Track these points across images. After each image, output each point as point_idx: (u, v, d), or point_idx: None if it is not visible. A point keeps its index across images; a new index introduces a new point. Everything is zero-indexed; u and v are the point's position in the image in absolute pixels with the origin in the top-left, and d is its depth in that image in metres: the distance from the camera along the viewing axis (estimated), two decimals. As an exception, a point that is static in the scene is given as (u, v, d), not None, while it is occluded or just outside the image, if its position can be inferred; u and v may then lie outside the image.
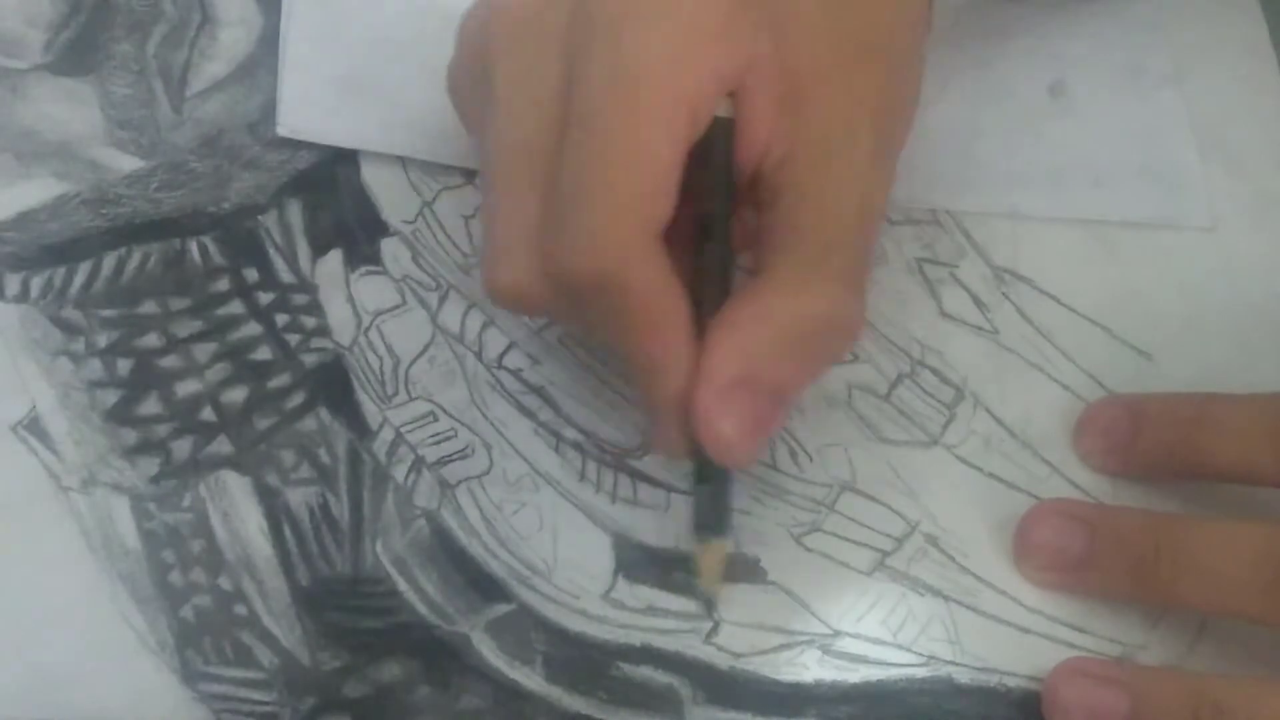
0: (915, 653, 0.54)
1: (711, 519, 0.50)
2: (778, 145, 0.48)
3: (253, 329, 0.56)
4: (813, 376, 0.52)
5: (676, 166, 0.45)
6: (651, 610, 0.53)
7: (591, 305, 0.46)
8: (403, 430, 0.55)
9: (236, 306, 0.56)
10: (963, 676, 0.53)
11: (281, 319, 0.56)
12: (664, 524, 0.54)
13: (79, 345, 0.54)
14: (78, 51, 0.60)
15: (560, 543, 0.54)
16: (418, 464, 0.54)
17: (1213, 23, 0.68)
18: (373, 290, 0.57)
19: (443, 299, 0.57)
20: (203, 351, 0.55)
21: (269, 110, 0.60)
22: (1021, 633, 0.55)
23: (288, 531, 0.53)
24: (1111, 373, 0.60)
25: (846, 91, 0.49)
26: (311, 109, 0.59)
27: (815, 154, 0.48)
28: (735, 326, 0.47)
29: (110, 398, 0.54)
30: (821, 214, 0.48)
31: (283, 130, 0.59)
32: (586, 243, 0.45)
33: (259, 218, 0.58)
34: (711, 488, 0.49)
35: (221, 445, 0.54)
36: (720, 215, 0.49)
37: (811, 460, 0.56)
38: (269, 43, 0.61)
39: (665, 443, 0.49)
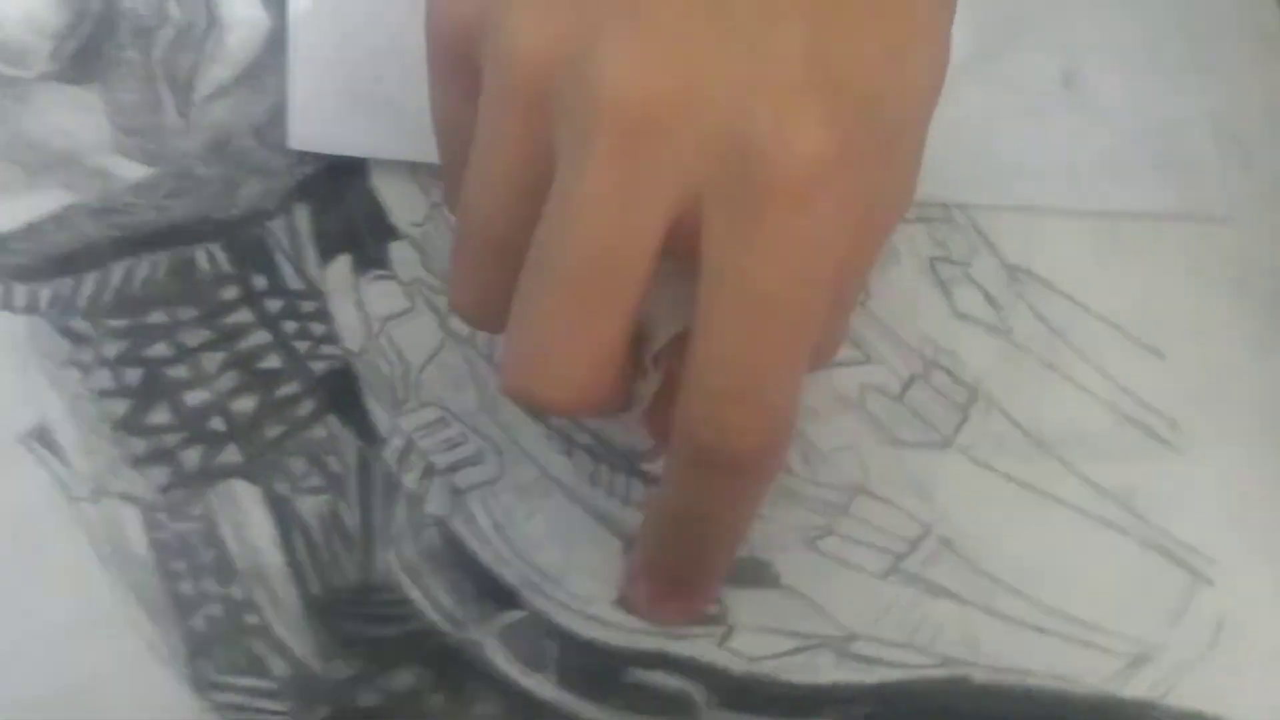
0: (932, 654, 0.53)
1: None
2: None
3: (261, 337, 0.55)
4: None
5: None
6: (665, 615, 0.53)
7: None
8: (413, 437, 0.54)
9: (245, 314, 0.56)
10: (980, 676, 0.53)
11: (290, 326, 0.56)
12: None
13: (87, 355, 0.54)
14: (84, 59, 0.60)
15: (572, 548, 0.53)
16: (429, 471, 0.54)
17: (1226, 13, 0.67)
18: (381, 295, 0.57)
19: (452, 302, 0.57)
20: (211, 360, 0.55)
21: (276, 114, 0.59)
22: (1039, 633, 0.54)
23: (298, 540, 0.52)
24: (1125, 371, 0.60)
25: None
26: (322, 121, 0.59)
27: None
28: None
29: (119, 407, 0.54)
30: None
31: (294, 144, 0.58)
32: None
33: (267, 224, 0.57)
34: None
35: (231, 454, 0.53)
36: None
37: (824, 462, 0.56)
38: (276, 45, 0.60)
39: None
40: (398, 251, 0.58)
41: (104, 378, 0.54)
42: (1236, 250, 0.63)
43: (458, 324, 0.57)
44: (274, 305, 0.56)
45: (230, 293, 0.56)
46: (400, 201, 0.59)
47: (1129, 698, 0.54)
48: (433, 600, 0.52)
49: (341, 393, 0.55)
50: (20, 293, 0.55)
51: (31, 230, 0.56)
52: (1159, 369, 0.60)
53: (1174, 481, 0.58)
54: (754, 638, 0.53)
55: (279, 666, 0.50)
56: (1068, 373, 0.59)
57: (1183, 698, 0.54)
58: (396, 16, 0.61)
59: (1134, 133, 0.64)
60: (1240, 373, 0.60)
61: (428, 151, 0.58)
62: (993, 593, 0.55)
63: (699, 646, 0.52)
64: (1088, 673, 0.54)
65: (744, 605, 0.53)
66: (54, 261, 0.56)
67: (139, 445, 0.53)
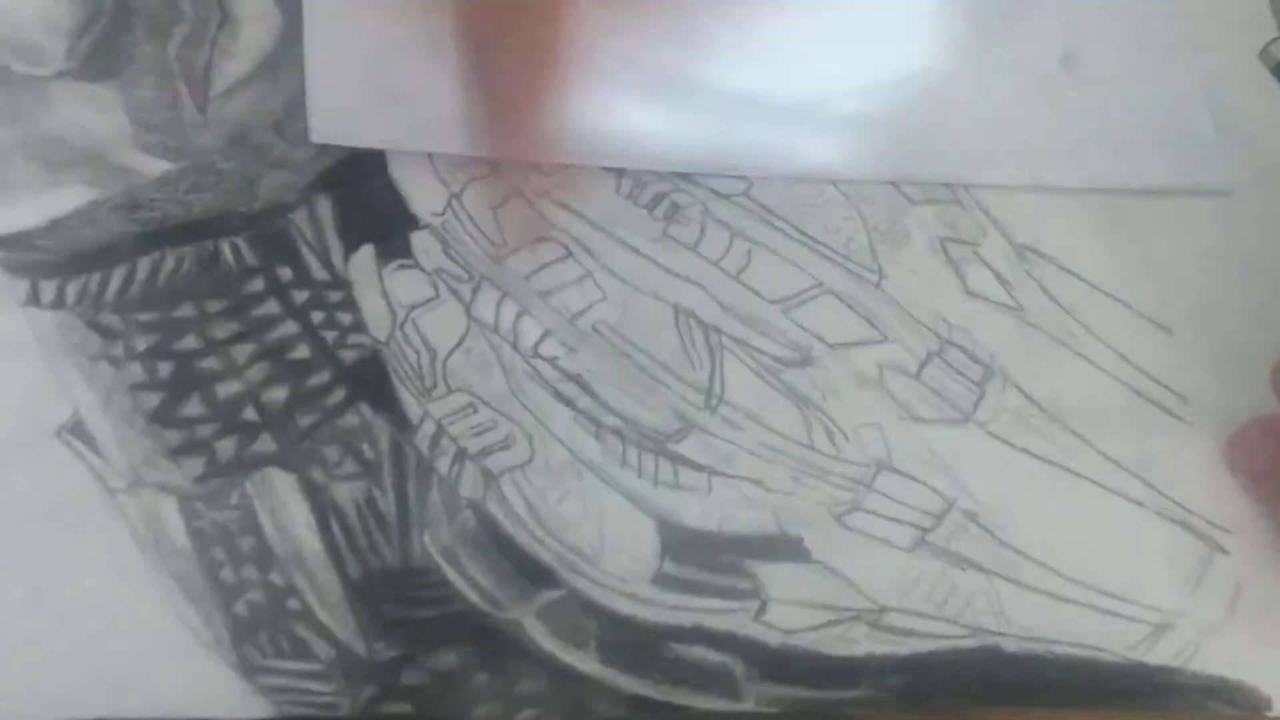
0: (962, 625, 0.54)
1: None
2: None
3: (290, 328, 0.56)
4: None
5: None
6: (700, 591, 0.53)
7: None
8: (443, 423, 0.55)
9: (272, 306, 0.56)
10: (1010, 645, 0.54)
11: (317, 316, 0.56)
12: (707, 507, 0.55)
13: (118, 349, 0.54)
14: (100, 56, 0.60)
15: (606, 528, 0.54)
16: (460, 456, 0.54)
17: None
18: (406, 284, 0.57)
19: (475, 290, 0.57)
20: (241, 352, 0.55)
21: (294, 108, 0.60)
22: (1063, 602, 0.55)
23: (335, 526, 0.53)
24: (1134, 348, 0.61)
25: None
26: (342, 114, 0.59)
27: None
28: None
29: (152, 400, 0.54)
30: None
31: (316, 138, 0.59)
32: None
33: (289, 216, 0.58)
34: None
35: (265, 444, 0.54)
36: None
37: (848, 440, 0.57)
38: (289, 39, 0.61)
39: None
40: (420, 241, 0.58)
41: (136, 371, 0.54)
42: (1239, 225, 0.64)
43: (482, 310, 0.57)
44: (300, 296, 0.56)
45: (256, 285, 0.57)
46: (420, 192, 0.59)
47: (1154, 664, 0.55)
48: (471, 581, 0.53)
49: (371, 381, 0.56)
50: (47, 289, 0.55)
51: (56, 226, 0.56)
52: (1167, 344, 0.61)
53: (1187, 454, 0.59)
54: (788, 611, 0.53)
55: (323, 649, 0.51)
56: (1079, 349, 0.60)
57: (1206, 663, 0.55)
58: (411, 9, 0.62)
59: (1133, 110, 0.66)
60: (1246, 345, 0.61)
61: (446, 142, 0.59)
62: (1017, 564, 0.56)
63: (735, 620, 0.53)
64: (1113, 641, 0.55)
65: (777, 580, 0.54)
66: (80, 257, 0.56)
67: (174, 437, 0.54)
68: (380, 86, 0.60)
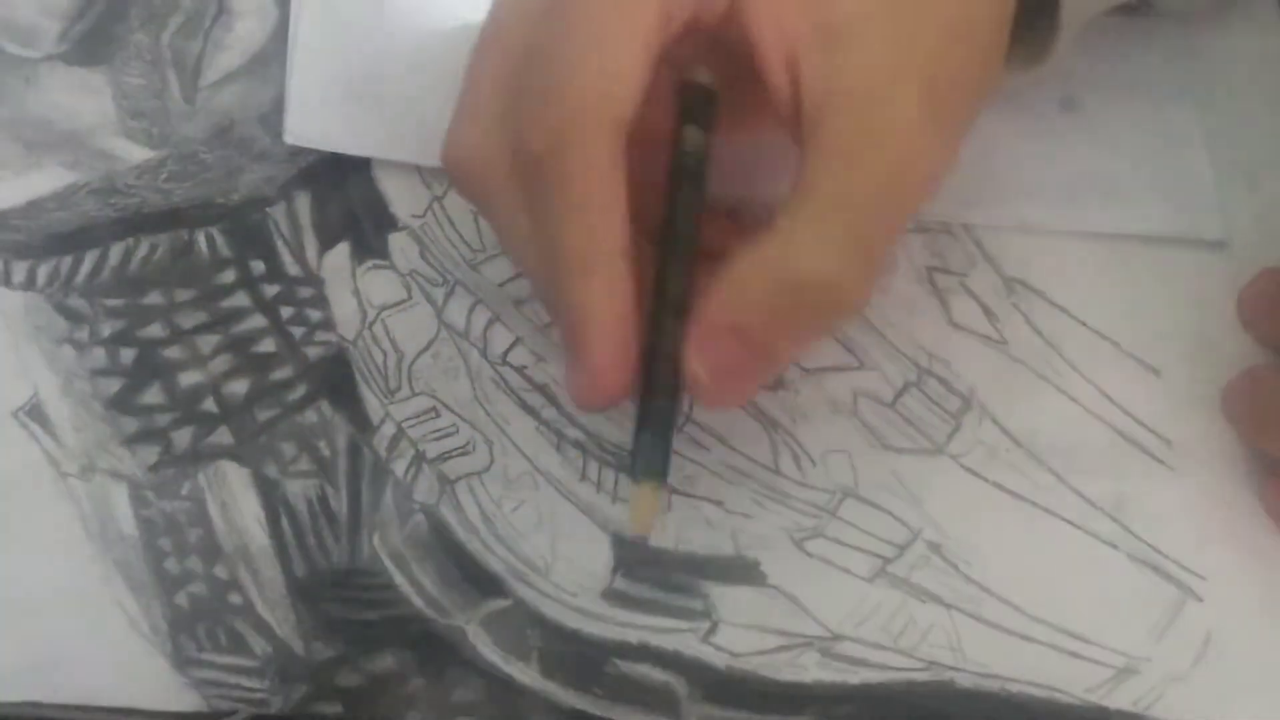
0: (916, 658, 0.53)
1: (651, 462, 0.46)
2: (814, 84, 0.45)
3: (257, 321, 0.56)
4: (801, 343, 0.51)
5: (639, 63, 0.45)
6: (650, 609, 0.53)
7: (533, 186, 0.45)
8: (404, 425, 0.55)
9: (242, 298, 0.56)
10: (965, 681, 0.53)
11: (286, 311, 0.56)
12: (664, 523, 0.54)
13: (83, 334, 0.54)
14: (92, 41, 0.60)
15: (559, 540, 0.53)
16: (418, 459, 0.54)
17: (1229, 35, 0.67)
18: (379, 284, 0.57)
19: (449, 294, 0.57)
20: (206, 343, 0.55)
21: (281, 102, 0.60)
22: (1024, 641, 0.54)
23: (285, 523, 0.52)
24: (1120, 387, 0.59)
25: (892, 39, 0.46)
26: (319, 117, 0.59)
27: (849, 102, 0.45)
28: (732, 271, 0.45)
29: (112, 386, 0.54)
30: (838, 167, 0.45)
31: (290, 139, 0.59)
32: (540, 112, 0.44)
33: (267, 210, 0.58)
34: (652, 431, 0.46)
35: (222, 436, 0.54)
36: (685, 170, 0.49)
37: (815, 465, 0.56)
38: (283, 35, 0.61)
39: (580, 378, 0.46)
40: (397, 242, 0.58)
41: (99, 356, 0.54)
42: (1239, 269, 0.62)
43: (453, 316, 0.57)
44: (271, 290, 0.56)
45: (228, 276, 0.56)
46: (401, 193, 0.59)
47: (1114, 709, 0.54)
48: (417, 586, 0.52)
49: (335, 379, 0.55)
50: (19, 269, 0.55)
51: (32, 208, 0.57)
52: (1155, 385, 0.60)
53: (1166, 497, 0.58)
54: (738, 634, 0.53)
55: (260, 645, 0.51)
56: (1062, 386, 0.59)
57: (1169, 710, 0.54)
58: (398, 18, 0.61)
59: (1132, 156, 0.64)
60: (1237, 392, 0.60)
61: (422, 153, 0.58)
62: (980, 599, 0.55)
63: (683, 640, 0.52)
64: (1073, 683, 0.54)
65: (730, 602, 0.53)
66: (54, 239, 0.56)
67: (130, 424, 0.54)
68: (362, 93, 0.60)
